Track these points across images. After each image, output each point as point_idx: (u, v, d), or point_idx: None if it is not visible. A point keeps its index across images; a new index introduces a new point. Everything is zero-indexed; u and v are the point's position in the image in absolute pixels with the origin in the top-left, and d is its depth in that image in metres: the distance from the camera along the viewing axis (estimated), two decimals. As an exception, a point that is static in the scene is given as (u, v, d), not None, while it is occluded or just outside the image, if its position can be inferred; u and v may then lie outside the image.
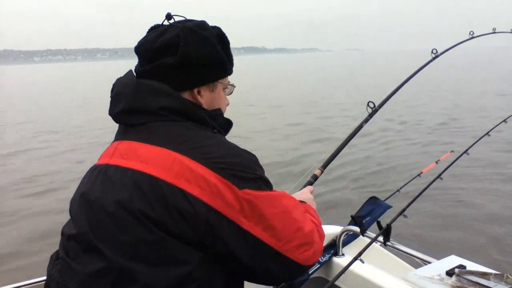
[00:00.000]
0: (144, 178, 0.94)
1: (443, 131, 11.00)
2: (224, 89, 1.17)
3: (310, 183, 1.69)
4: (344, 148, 1.88)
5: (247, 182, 0.96)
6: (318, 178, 1.71)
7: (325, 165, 1.79)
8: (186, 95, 1.08)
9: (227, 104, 1.21)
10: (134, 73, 1.12)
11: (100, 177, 1.02)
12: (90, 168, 1.10)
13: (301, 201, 1.20)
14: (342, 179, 7.19)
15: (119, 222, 0.93)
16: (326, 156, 1.84)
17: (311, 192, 1.43)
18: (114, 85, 1.12)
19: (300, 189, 1.55)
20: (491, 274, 1.47)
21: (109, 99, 1.10)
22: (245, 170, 0.97)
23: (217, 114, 1.14)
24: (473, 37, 2.47)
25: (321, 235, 1.10)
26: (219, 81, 1.14)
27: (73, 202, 1.08)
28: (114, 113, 1.08)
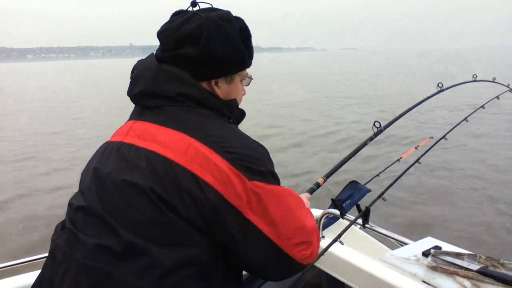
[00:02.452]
0: (158, 159, 0.96)
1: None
2: (241, 80, 1.19)
3: (312, 190, 1.75)
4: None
5: (257, 174, 0.97)
6: (321, 187, 1.81)
7: (328, 175, 1.87)
8: (204, 84, 1.09)
9: (244, 94, 1.23)
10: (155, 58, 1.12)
11: (114, 153, 1.03)
12: (103, 144, 1.11)
13: None
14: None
15: (130, 199, 0.95)
16: (331, 166, 1.97)
17: (308, 200, 1.47)
18: (134, 66, 1.14)
19: (309, 193, 1.62)
20: (465, 254, 1.52)
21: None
22: (256, 163, 0.99)
23: (232, 105, 1.16)
24: (475, 81, 2.73)
25: (318, 238, 1.13)
26: (238, 73, 1.16)
27: (84, 175, 1.09)
28: (133, 94, 1.10)
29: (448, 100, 12.75)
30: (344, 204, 1.95)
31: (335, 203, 1.95)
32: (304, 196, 1.47)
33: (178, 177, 0.93)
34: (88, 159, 1.14)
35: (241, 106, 1.23)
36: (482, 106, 2.82)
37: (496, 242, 4.50)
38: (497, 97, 2.91)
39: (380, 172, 2.66)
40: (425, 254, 1.58)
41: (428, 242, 1.68)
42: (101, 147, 1.12)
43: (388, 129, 2.19)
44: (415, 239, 1.77)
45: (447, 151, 7.46)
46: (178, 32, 1.06)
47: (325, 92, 19.85)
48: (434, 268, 1.47)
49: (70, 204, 1.07)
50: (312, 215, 1.19)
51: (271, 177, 1.02)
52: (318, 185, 1.77)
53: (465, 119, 2.65)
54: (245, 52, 1.13)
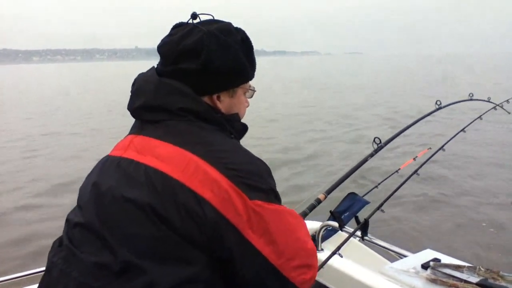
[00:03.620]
0: (157, 175, 0.94)
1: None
2: (244, 93, 1.17)
3: (313, 206, 1.77)
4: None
5: (258, 192, 0.95)
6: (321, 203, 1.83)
7: (329, 191, 1.87)
8: (205, 99, 1.08)
9: (247, 106, 1.21)
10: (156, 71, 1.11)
11: (113, 168, 1.02)
12: (102, 158, 1.10)
13: None
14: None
15: (128, 215, 0.93)
16: (332, 182, 2.00)
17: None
18: (135, 80, 1.12)
19: (308, 210, 1.65)
20: (464, 266, 1.52)
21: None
22: (258, 180, 0.97)
23: (234, 119, 1.14)
24: (471, 99, 2.85)
25: (317, 262, 1.10)
26: (240, 86, 1.14)
27: (82, 190, 1.07)
28: (133, 108, 1.08)
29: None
30: (342, 216, 1.95)
31: (334, 215, 1.94)
32: None
33: (177, 193, 0.92)
34: None
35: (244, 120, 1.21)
36: (480, 117, 2.83)
37: (495, 254, 4.48)
38: (495, 107, 2.95)
39: (379, 184, 2.66)
40: (425, 266, 1.57)
41: (427, 254, 1.68)
42: (100, 161, 1.10)
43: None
44: (414, 251, 1.77)
45: (446, 162, 7.46)
46: (178, 47, 1.06)
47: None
48: (433, 281, 1.46)
49: (67, 220, 1.05)
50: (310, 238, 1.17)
51: (273, 196, 1.00)
52: (319, 201, 1.76)
53: (463, 130, 2.66)
54: (247, 64, 1.12)
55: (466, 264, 1.54)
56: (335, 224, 1.95)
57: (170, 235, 0.90)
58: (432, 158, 2.42)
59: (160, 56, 1.11)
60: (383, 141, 2.16)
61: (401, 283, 1.50)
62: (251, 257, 0.94)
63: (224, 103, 1.11)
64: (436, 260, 1.61)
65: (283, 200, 1.05)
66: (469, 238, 4.86)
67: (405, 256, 1.75)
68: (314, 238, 2.17)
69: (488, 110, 2.91)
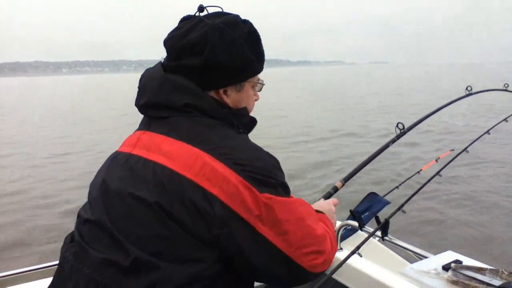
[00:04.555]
0: (165, 172, 0.94)
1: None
2: (252, 87, 1.15)
3: (329, 194, 1.70)
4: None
5: (267, 186, 0.95)
6: (338, 191, 1.74)
7: (346, 178, 1.80)
8: (212, 94, 1.07)
9: (256, 99, 1.20)
10: (162, 66, 1.10)
11: (121, 165, 1.02)
12: (112, 154, 1.11)
13: (319, 211, 1.21)
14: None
15: (136, 213, 0.93)
16: (350, 169, 1.92)
17: (335, 205, 1.41)
18: (142, 76, 1.12)
19: (324, 198, 1.55)
20: (486, 269, 1.49)
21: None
22: (266, 174, 0.96)
23: (242, 114, 1.12)
24: (506, 90, 2.67)
25: (334, 246, 1.10)
26: (247, 80, 1.12)
27: (93, 186, 1.08)
28: (139, 104, 1.08)
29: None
30: (362, 216, 1.94)
31: (353, 215, 1.94)
32: (330, 201, 1.42)
33: (185, 190, 0.91)
34: None
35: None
36: (505, 119, 2.77)
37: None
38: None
39: (400, 184, 2.63)
40: (446, 268, 1.55)
41: (449, 256, 1.66)
42: (110, 157, 1.11)
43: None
44: (435, 252, 1.75)
45: (469, 164, 7.31)
46: (182, 42, 1.04)
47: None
48: (454, 283, 1.45)
49: (79, 216, 1.06)
50: (330, 222, 1.18)
51: (282, 189, 0.99)
52: (336, 189, 1.71)
53: (487, 132, 2.61)
54: (253, 58, 1.09)
55: (489, 267, 1.52)
56: (355, 223, 1.95)
57: (179, 232, 0.91)
58: (455, 160, 2.38)
59: (166, 51, 1.10)
60: (406, 126, 2.06)
61: (422, 284, 1.49)
62: (263, 248, 0.95)
63: (231, 97, 1.10)
64: (457, 262, 1.59)
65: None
66: (492, 241, 4.76)
67: (425, 257, 1.73)
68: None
69: None
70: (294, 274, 1.00)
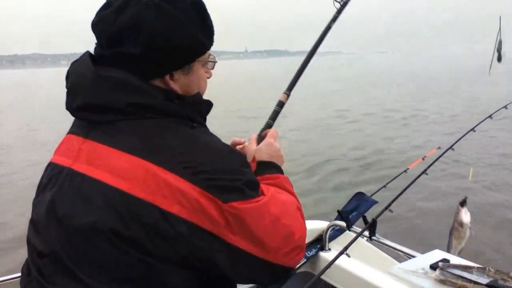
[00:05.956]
0: (115, 194, 0.83)
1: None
2: (203, 65, 1.01)
3: (276, 112, 1.42)
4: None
5: (231, 193, 0.85)
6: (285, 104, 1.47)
7: (290, 87, 1.49)
8: (156, 82, 0.93)
9: (209, 77, 1.06)
10: (93, 55, 0.96)
11: (67, 185, 0.89)
12: (50, 166, 0.98)
13: (270, 162, 1.10)
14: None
15: (92, 244, 0.84)
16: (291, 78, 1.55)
17: (275, 138, 1.22)
18: (68, 72, 0.95)
19: (260, 134, 1.30)
20: (473, 267, 1.49)
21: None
22: (228, 178, 0.86)
23: (196, 101, 0.99)
24: None
25: (303, 216, 1.01)
26: (196, 60, 0.98)
27: (37, 206, 0.95)
28: (73, 108, 0.92)
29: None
30: (350, 216, 1.94)
31: (341, 215, 1.93)
32: (269, 138, 1.21)
33: (141, 213, 0.81)
34: None
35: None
36: (490, 116, 2.79)
37: (505, 255, 4.43)
38: (505, 106, 2.88)
39: (387, 184, 2.64)
40: (433, 267, 1.55)
41: (436, 255, 1.66)
42: (48, 169, 0.98)
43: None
44: (422, 251, 1.75)
45: (457, 161, 7.39)
46: (114, 26, 0.89)
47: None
48: (442, 282, 1.44)
49: (29, 243, 0.95)
50: (287, 182, 1.06)
51: (248, 190, 0.88)
52: (282, 104, 1.45)
53: (473, 129, 2.63)
54: (199, 35, 0.94)
55: (476, 265, 1.52)
56: (343, 224, 1.94)
57: (143, 259, 0.83)
58: (441, 158, 2.39)
59: (96, 36, 0.95)
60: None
61: (410, 283, 1.48)
62: (240, 259, 0.88)
63: (179, 82, 0.96)
64: (445, 260, 1.59)
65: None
66: (479, 239, 4.81)
67: (413, 257, 1.73)
68: (321, 237, 2.16)
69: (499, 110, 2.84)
70: (277, 274, 0.95)
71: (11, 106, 24.67)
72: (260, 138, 1.27)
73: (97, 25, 0.93)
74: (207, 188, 0.83)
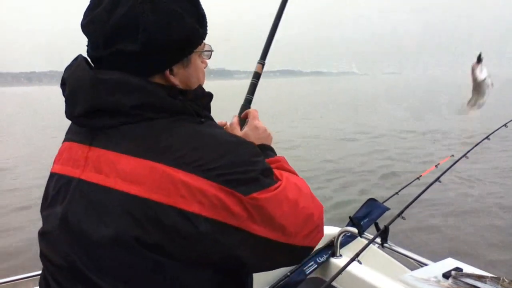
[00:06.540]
0: (131, 201, 0.80)
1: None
2: (199, 55, 1.00)
3: (253, 85, 1.34)
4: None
5: (249, 184, 0.84)
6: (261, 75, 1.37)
7: (263, 56, 1.40)
8: (157, 79, 0.91)
9: (205, 67, 1.05)
10: (88, 58, 0.93)
11: (77, 196, 0.86)
12: (55, 177, 0.95)
13: (262, 145, 1.08)
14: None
15: (115, 256, 0.82)
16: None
17: (257, 118, 1.18)
18: (64, 79, 0.92)
19: (239, 115, 1.24)
20: (487, 277, 1.48)
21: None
22: (244, 170, 0.85)
23: (199, 94, 0.98)
24: None
25: (319, 205, 0.99)
26: (193, 52, 0.97)
27: (49, 219, 0.92)
28: (74, 115, 0.88)
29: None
30: (362, 222, 1.94)
31: (353, 221, 1.93)
32: (252, 120, 1.18)
33: (160, 216, 0.79)
34: None
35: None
36: (505, 125, 2.76)
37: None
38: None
39: (399, 190, 2.62)
40: (446, 275, 1.54)
41: (449, 263, 1.64)
42: (54, 182, 0.94)
43: None
44: (435, 260, 1.73)
45: (470, 169, 7.30)
46: (107, 25, 0.86)
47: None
48: (455, 291, 1.43)
49: (45, 256, 0.92)
50: (285, 162, 1.06)
51: (264, 178, 0.88)
52: (258, 76, 1.37)
53: (487, 137, 2.60)
54: (195, 26, 0.92)
55: (489, 275, 1.50)
56: (354, 230, 1.93)
57: (168, 264, 0.81)
58: (455, 166, 2.37)
59: (88, 38, 0.92)
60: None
61: (421, 292, 1.47)
62: (263, 247, 0.88)
63: (179, 75, 0.95)
64: (458, 269, 1.57)
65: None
66: (493, 248, 4.74)
67: (425, 265, 1.72)
68: (332, 243, 2.16)
69: None
70: (298, 256, 0.96)
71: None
72: (242, 120, 1.23)
73: (88, 26, 0.89)
74: (225, 183, 0.82)
